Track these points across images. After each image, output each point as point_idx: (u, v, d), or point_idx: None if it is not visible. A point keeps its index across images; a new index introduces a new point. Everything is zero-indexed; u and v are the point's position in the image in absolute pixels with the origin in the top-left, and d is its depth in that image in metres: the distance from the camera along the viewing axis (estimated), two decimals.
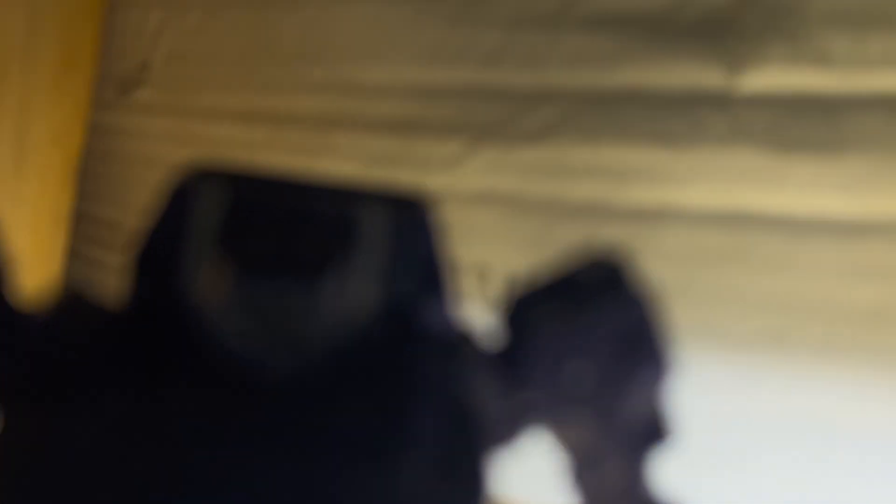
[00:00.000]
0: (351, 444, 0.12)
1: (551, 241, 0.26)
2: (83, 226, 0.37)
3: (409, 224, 0.16)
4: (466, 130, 0.28)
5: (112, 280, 0.38)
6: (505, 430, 0.14)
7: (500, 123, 0.27)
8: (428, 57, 0.29)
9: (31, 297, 0.15)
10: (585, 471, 0.15)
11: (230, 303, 0.13)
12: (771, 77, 0.23)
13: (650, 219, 0.25)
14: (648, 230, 0.25)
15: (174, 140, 0.37)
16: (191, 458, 0.12)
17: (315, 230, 0.14)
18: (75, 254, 0.36)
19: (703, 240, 0.24)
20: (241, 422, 0.12)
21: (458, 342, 0.15)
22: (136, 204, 0.36)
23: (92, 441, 0.11)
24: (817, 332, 0.23)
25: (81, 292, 0.15)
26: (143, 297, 0.14)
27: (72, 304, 0.14)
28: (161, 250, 0.15)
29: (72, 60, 0.32)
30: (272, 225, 0.14)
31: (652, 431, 0.14)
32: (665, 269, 0.24)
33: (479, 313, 0.17)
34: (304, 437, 0.12)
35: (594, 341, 0.14)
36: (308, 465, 0.12)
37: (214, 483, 0.11)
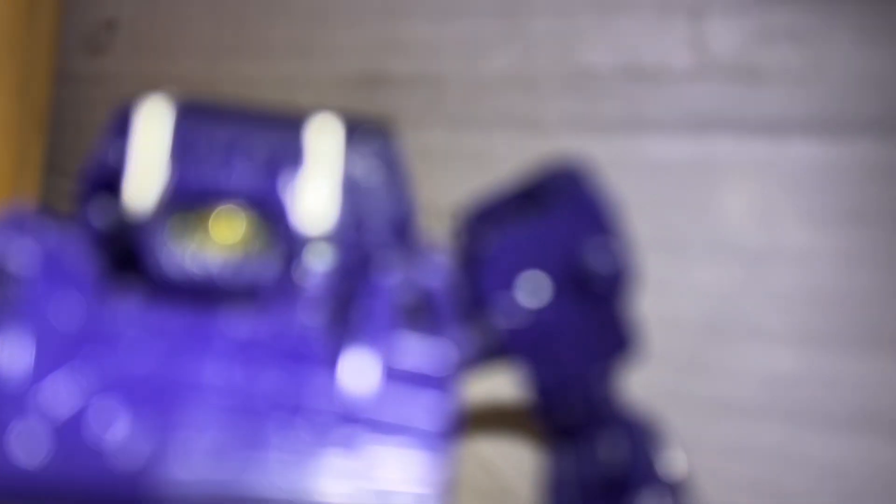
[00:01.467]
0: (301, 354, 0.12)
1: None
2: (53, 177, 0.36)
3: (368, 146, 0.15)
4: (429, 81, 0.28)
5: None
6: (464, 342, 0.14)
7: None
8: (387, 11, 0.29)
9: None
10: (546, 386, 0.15)
11: (174, 223, 0.13)
12: None
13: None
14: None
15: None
16: (135, 371, 0.11)
17: (262, 151, 0.14)
18: (44, 203, 0.36)
19: None
20: (191, 329, 0.12)
21: (419, 259, 0.15)
22: None
23: (38, 357, 0.11)
24: None
25: (25, 209, 0.14)
26: (86, 219, 0.14)
27: (15, 222, 0.13)
28: (102, 175, 0.14)
29: (30, 12, 0.31)
30: (217, 147, 0.14)
31: (614, 340, 0.14)
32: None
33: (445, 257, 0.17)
34: (256, 348, 0.12)
35: (549, 249, 0.14)
36: (258, 371, 0.12)
37: (157, 394, 0.11)
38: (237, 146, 0.14)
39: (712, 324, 0.24)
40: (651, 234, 0.24)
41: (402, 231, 0.16)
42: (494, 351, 0.15)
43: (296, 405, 0.11)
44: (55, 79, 0.35)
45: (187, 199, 0.13)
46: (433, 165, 0.28)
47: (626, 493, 0.15)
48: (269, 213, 0.13)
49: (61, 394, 0.11)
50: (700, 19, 0.24)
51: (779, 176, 0.23)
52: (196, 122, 0.14)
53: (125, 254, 0.13)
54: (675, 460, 0.15)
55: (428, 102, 0.28)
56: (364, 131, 0.16)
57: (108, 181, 0.14)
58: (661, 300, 0.23)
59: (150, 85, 0.35)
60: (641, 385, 0.17)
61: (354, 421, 0.11)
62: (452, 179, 0.27)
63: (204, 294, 0.13)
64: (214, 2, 0.34)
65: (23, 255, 0.12)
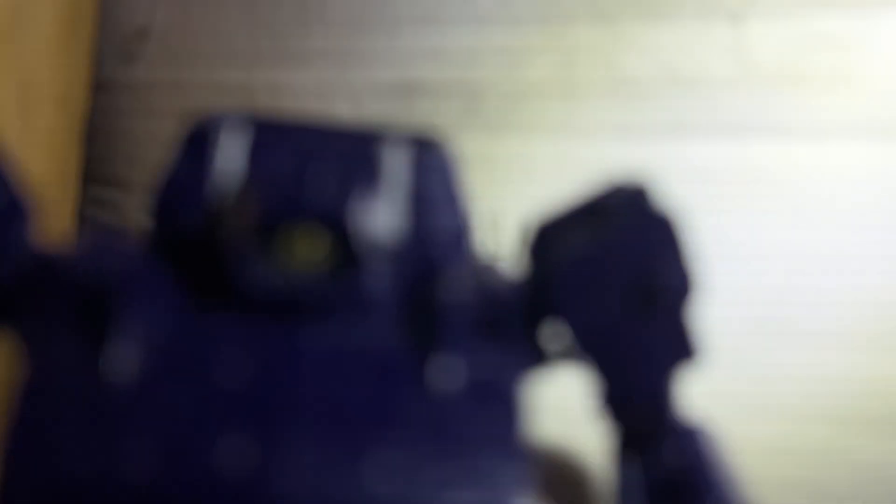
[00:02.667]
0: (387, 367, 0.13)
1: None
2: (91, 189, 0.37)
3: (430, 161, 0.16)
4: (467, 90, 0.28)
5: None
6: (534, 354, 0.14)
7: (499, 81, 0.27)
8: (425, 18, 0.29)
9: (54, 241, 0.15)
10: (614, 396, 0.15)
11: (256, 235, 0.13)
12: None
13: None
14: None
15: (175, 115, 0.37)
16: (235, 386, 0.12)
17: (337, 169, 0.14)
18: (84, 216, 0.36)
19: None
20: (279, 345, 0.12)
21: (484, 271, 0.15)
22: (137, 181, 0.36)
23: (142, 372, 0.11)
24: None
25: (107, 231, 0.15)
26: (165, 238, 0.14)
27: (100, 241, 0.14)
28: (182, 194, 0.15)
29: (72, 20, 0.31)
30: (294, 166, 0.14)
31: (680, 351, 0.15)
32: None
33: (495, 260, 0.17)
34: (344, 361, 0.12)
35: (618, 266, 0.14)
36: (349, 385, 0.12)
37: (257, 408, 0.12)
38: (314, 166, 0.14)
39: (757, 327, 0.24)
40: (692, 237, 0.24)
41: (462, 241, 0.16)
42: (562, 358, 0.15)
43: (388, 418, 0.12)
44: (94, 92, 0.35)
45: (270, 218, 0.13)
46: (471, 171, 0.28)
47: (692, 498, 0.15)
48: (347, 230, 0.13)
49: (168, 409, 0.11)
50: (741, 25, 0.25)
51: (822, 180, 0.24)
52: (273, 141, 0.14)
53: (206, 270, 0.14)
54: (734, 465, 0.16)
55: (466, 109, 0.28)
56: (429, 147, 0.16)
57: (185, 198, 0.15)
58: (706, 304, 0.23)
59: (183, 93, 0.35)
60: (688, 386, 0.18)
61: (446, 432, 0.12)
62: (491, 185, 0.28)
63: (288, 309, 0.13)
64: (249, 9, 0.34)
65: (115, 273, 0.13)
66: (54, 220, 0.33)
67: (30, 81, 0.27)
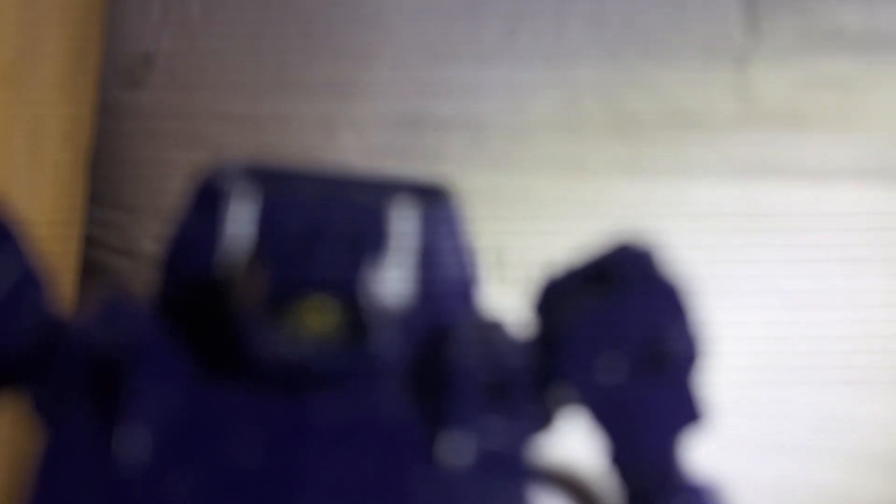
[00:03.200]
0: (397, 440, 0.13)
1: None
2: (93, 227, 0.37)
3: (437, 214, 0.16)
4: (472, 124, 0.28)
5: (126, 273, 0.38)
6: (541, 417, 0.14)
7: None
8: (431, 52, 0.29)
9: (68, 302, 0.15)
10: (621, 457, 0.15)
11: (267, 305, 0.13)
12: None
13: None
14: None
15: (180, 143, 0.37)
16: (246, 463, 0.12)
17: (345, 237, 0.14)
18: (89, 254, 0.36)
19: None
20: (290, 419, 0.12)
21: (491, 329, 0.15)
22: (143, 206, 0.37)
23: (154, 450, 0.11)
24: None
25: (117, 295, 0.15)
26: (175, 295, 0.15)
27: (111, 306, 0.14)
28: (191, 254, 0.15)
29: (80, 54, 0.32)
30: (303, 235, 0.14)
31: (687, 415, 0.15)
32: None
33: (498, 296, 0.17)
34: (353, 435, 0.12)
35: (627, 330, 0.14)
36: (359, 460, 0.12)
37: (268, 486, 0.12)
38: (324, 234, 0.14)
39: (761, 366, 0.24)
40: (696, 278, 0.24)
41: (470, 292, 0.16)
42: (567, 418, 0.15)
43: (398, 494, 0.12)
44: (98, 125, 0.35)
45: (280, 289, 0.13)
46: (474, 207, 0.28)
47: None
48: (357, 301, 0.13)
49: (181, 489, 0.11)
50: (745, 66, 0.25)
51: (826, 221, 0.24)
52: (283, 204, 0.15)
53: (216, 337, 0.14)
54: None
55: (470, 144, 0.28)
56: (434, 203, 0.16)
57: (195, 259, 0.15)
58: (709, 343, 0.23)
59: (188, 120, 0.35)
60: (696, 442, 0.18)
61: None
62: (495, 220, 0.28)
63: (298, 380, 0.13)
64: (255, 38, 0.34)
65: (125, 343, 0.13)
66: (62, 243, 0.33)
67: (38, 118, 0.28)
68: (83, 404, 0.12)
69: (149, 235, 0.37)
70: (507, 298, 0.17)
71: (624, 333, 0.14)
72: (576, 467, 0.21)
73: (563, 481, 0.20)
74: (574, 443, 0.16)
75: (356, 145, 0.31)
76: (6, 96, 0.24)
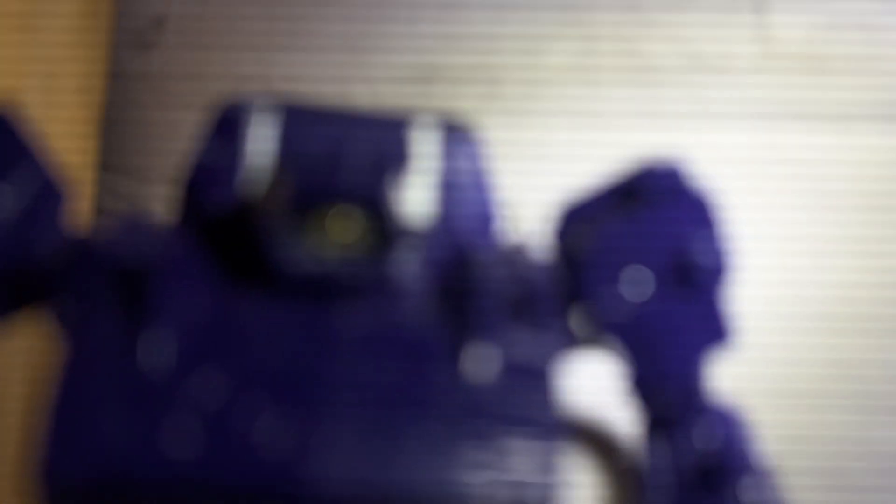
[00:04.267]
0: (421, 350, 0.13)
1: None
2: (107, 178, 0.37)
3: (459, 144, 0.16)
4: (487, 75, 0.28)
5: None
6: (567, 334, 0.14)
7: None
8: (444, 4, 0.29)
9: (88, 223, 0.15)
10: (645, 379, 0.15)
11: (291, 216, 0.13)
12: None
13: None
14: None
15: (192, 105, 0.37)
16: (270, 366, 0.12)
17: (369, 152, 0.14)
18: (102, 204, 0.36)
19: None
20: (315, 326, 0.12)
21: (513, 254, 0.15)
22: (153, 170, 0.36)
23: (178, 354, 0.11)
24: None
25: (137, 214, 0.15)
26: (195, 218, 0.14)
27: (132, 223, 0.14)
28: (213, 175, 0.15)
29: (91, 11, 0.32)
30: (326, 148, 0.14)
31: (713, 332, 0.15)
32: None
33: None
34: (379, 343, 0.12)
35: (652, 243, 0.14)
36: (384, 366, 0.12)
37: (293, 389, 0.12)
38: (347, 148, 0.14)
39: (775, 312, 0.24)
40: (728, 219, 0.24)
41: (490, 225, 0.16)
42: (593, 340, 0.15)
43: (424, 399, 0.12)
44: (111, 83, 0.35)
45: (304, 199, 0.13)
46: (492, 158, 0.28)
47: (722, 481, 0.15)
48: (379, 212, 0.13)
49: (207, 388, 0.11)
50: (764, 9, 0.24)
51: (846, 164, 0.24)
52: (304, 124, 0.14)
53: (240, 251, 0.14)
54: (764, 449, 0.16)
55: (486, 95, 0.28)
56: (457, 133, 0.16)
57: (217, 179, 0.15)
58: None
59: (200, 83, 0.35)
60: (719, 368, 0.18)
61: (481, 413, 0.12)
62: (511, 172, 0.28)
63: (322, 290, 0.13)
64: None
65: (149, 255, 0.13)
66: (76, 202, 0.33)
67: (52, 72, 0.28)
68: (107, 313, 0.12)
69: (159, 199, 0.37)
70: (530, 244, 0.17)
71: (649, 247, 0.14)
72: (597, 418, 0.21)
73: (584, 432, 0.19)
74: (596, 368, 0.16)
75: (369, 99, 0.31)
76: (19, 45, 0.24)
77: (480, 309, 0.13)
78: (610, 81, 0.26)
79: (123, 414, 0.11)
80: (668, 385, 0.15)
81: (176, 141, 0.36)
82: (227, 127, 0.15)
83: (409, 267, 0.14)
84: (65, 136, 0.30)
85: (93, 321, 0.12)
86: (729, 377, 0.19)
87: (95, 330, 0.12)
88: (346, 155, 0.14)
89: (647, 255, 0.14)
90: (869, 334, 0.24)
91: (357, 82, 0.31)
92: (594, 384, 0.17)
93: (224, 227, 0.14)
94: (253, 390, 0.11)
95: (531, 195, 0.28)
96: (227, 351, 0.12)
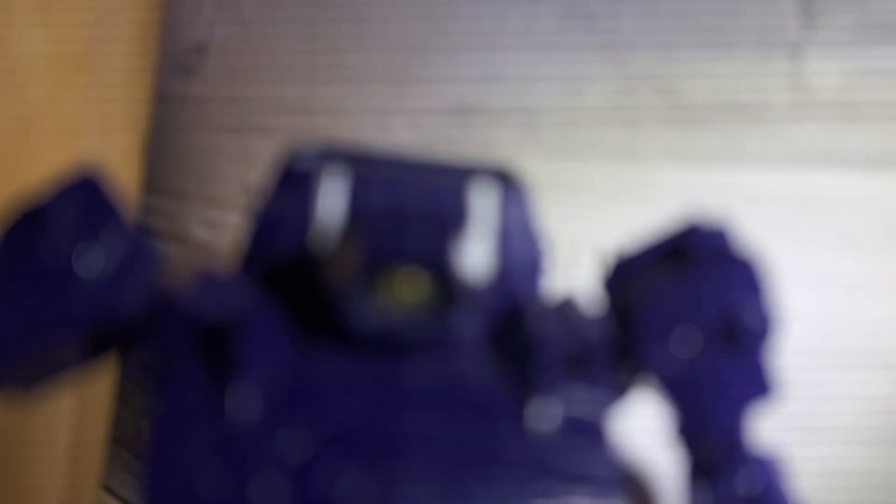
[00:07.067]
0: (486, 404, 0.13)
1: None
2: (148, 199, 0.38)
3: (512, 196, 0.17)
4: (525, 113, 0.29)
5: (173, 258, 0.39)
6: (618, 387, 0.15)
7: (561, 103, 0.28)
8: (484, 39, 0.30)
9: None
10: (690, 429, 0.16)
11: (360, 277, 0.14)
12: None
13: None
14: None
15: (232, 131, 0.38)
16: (348, 422, 0.13)
17: (431, 212, 0.15)
18: (145, 224, 0.37)
19: None
20: (386, 382, 0.13)
21: (566, 305, 0.16)
22: (193, 191, 0.37)
23: (264, 409, 0.12)
24: None
25: (212, 267, 0.16)
26: (266, 269, 0.15)
27: (212, 277, 0.15)
28: (283, 231, 0.15)
29: (144, 44, 0.33)
30: (391, 209, 0.15)
31: (757, 387, 0.15)
32: None
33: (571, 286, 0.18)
34: (447, 398, 0.13)
35: (701, 304, 0.15)
36: (453, 422, 0.13)
37: (370, 444, 0.12)
38: (410, 208, 0.15)
39: (807, 349, 0.25)
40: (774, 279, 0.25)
41: (540, 274, 0.17)
42: (642, 391, 0.16)
43: (491, 454, 0.13)
44: (155, 115, 0.36)
45: (373, 261, 0.14)
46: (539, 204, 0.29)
47: None
48: (443, 272, 0.14)
49: (291, 443, 0.12)
50: (800, 57, 0.25)
51: (876, 210, 0.24)
52: (370, 182, 0.15)
53: (311, 308, 0.14)
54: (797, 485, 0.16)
55: (523, 133, 0.29)
56: (510, 183, 0.17)
57: (286, 235, 0.15)
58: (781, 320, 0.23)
59: (240, 109, 0.36)
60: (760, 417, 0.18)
61: (545, 469, 0.13)
62: (548, 208, 0.28)
63: (391, 347, 0.14)
64: (307, 28, 0.35)
65: (230, 310, 0.14)
66: None
67: (108, 103, 0.29)
68: (194, 367, 0.13)
69: (199, 221, 0.38)
70: (560, 283, 0.17)
71: (699, 307, 0.15)
72: (642, 465, 0.21)
73: (631, 479, 0.20)
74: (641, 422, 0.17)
75: (409, 134, 0.31)
76: (80, 86, 0.25)
77: (540, 363, 0.14)
78: (646, 122, 0.26)
79: (215, 467, 0.12)
80: (712, 435, 0.16)
81: (216, 164, 0.37)
82: (296, 179, 0.16)
83: (470, 321, 0.15)
84: (118, 162, 0.32)
85: (181, 376, 0.13)
86: (766, 416, 0.19)
87: (184, 384, 0.13)
88: (410, 215, 0.15)
89: (695, 314, 0.15)
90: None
91: (396, 117, 0.31)
92: (642, 426, 0.18)
93: (293, 281, 0.15)
94: (334, 445, 0.12)
95: (568, 233, 0.28)
96: (307, 406, 0.13)
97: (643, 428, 0.17)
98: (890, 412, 0.24)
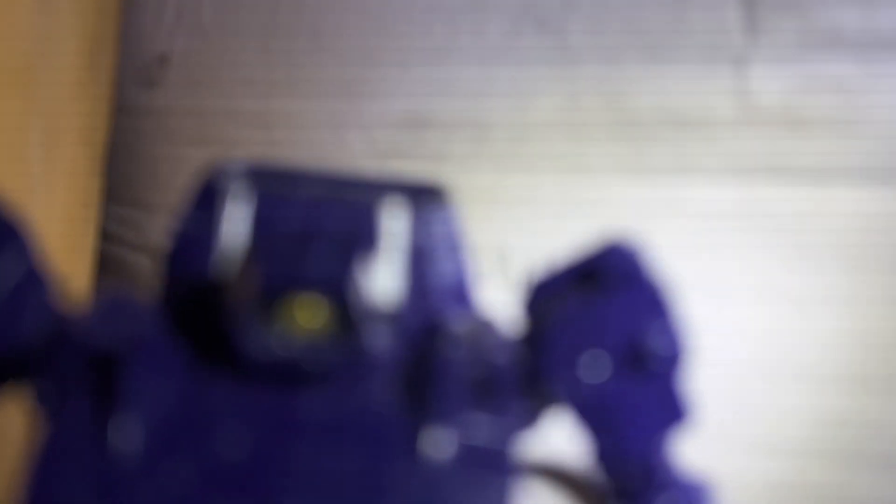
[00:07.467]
0: (382, 435, 0.13)
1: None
2: (109, 223, 0.37)
3: (430, 214, 0.16)
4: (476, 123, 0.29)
5: (142, 268, 0.39)
6: (527, 414, 0.15)
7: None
8: (436, 54, 0.29)
9: (70, 297, 0.15)
10: (606, 454, 0.15)
11: (259, 302, 0.14)
12: None
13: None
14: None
15: (194, 141, 0.38)
16: (235, 456, 0.12)
17: (336, 237, 0.15)
18: (105, 249, 0.37)
19: None
20: (279, 413, 0.13)
21: (482, 327, 0.16)
22: (158, 202, 0.37)
23: (147, 442, 0.12)
24: None
25: (120, 292, 0.15)
26: (175, 291, 0.15)
27: (113, 303, 0.14)
28: (191, 251, 0.15)
29: (95, 55, 0.32)
30: (295, 235, 0.15)
31: (670, 413, 0.15)
32: None
33: (498, 294, 0.18)
34: (341, 430, 0.13)
35: (609, 329, 0.15)
36: (345, 455, 0.13)
37: (256, 479, 0.12)
38: (315, 230, 0.15)
39: (757, 365, 0.24)
40: (695, 277, 0.24)
41: (464, 290, 0.17)
42: (551, 414, 0.16)
43: (382, 488, 0.12)
44: (114, 125, 0.36)
45: (272, 287, 0.14)
46: (478, 206, 0.29)
47: None
48: (344, 300, 0.14)
49: (173, 476, 0.12)
50: (744, 68, 0.25)
51: (822, 223, 0.24)
52: (277, 204, 0.15)
53: (210, 334, 0.14)
54: None
55: (474, 144, 0.28)
56: (428, 203, 0.16)
57: (194, 255, 0.15)
58: (705, 342, 0.23)
59: (201, 119, 0.36)
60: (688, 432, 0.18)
61: (436, 498, 0.12)
62: (497, 221, 0.28)
63: (289, 376, 0.14)
64: (265, 40, 0.35)
65: (123, 338, 0.13)
66: (78, 240, 0.34)
67: (54, 115, 0.28)
68: (83, 397, 0.13)
69: (163, 231, 0.37)
70: (509, 297, 0.17)
71: (606, 332, 0.14)
72: (565, 461, 0.21)
73: (554, 474, 0.20)
74: (559, 439, 0.17)
75: (362, 144, 0.31)
76: (21, 99, 0.25)
77: (440, 390, 0.14)
78: (593, 133, 0.26)
79: (91, 500, 0.12)
80: (629, 461, 0.15)
81: (178, 174, 0.37)
82: (207, 199, 0.16)
83: (378, 346, 0.14)
84: (67, 172, 0.31)
85: (68, 405, 0.13)
86: (712, 428, 0.19)
87: (69, 413, 0.13)
88: (315, 239, 0.14)
89: (603, 339, 0.14)
90: (843, 389, 0.24)
91: (351, 126, 0.31)
92: (562, 449, 0.17)
93: (195, 306, 0.15)
94: (217, 480, 0.12)
95: (516, 242, 0.28)
96: (194, 438, 0.12)
97: (565, 452, 0.17)
98: (838, 428, 0.24)
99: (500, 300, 0.17)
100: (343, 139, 0.32)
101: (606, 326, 0.14)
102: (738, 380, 0.24)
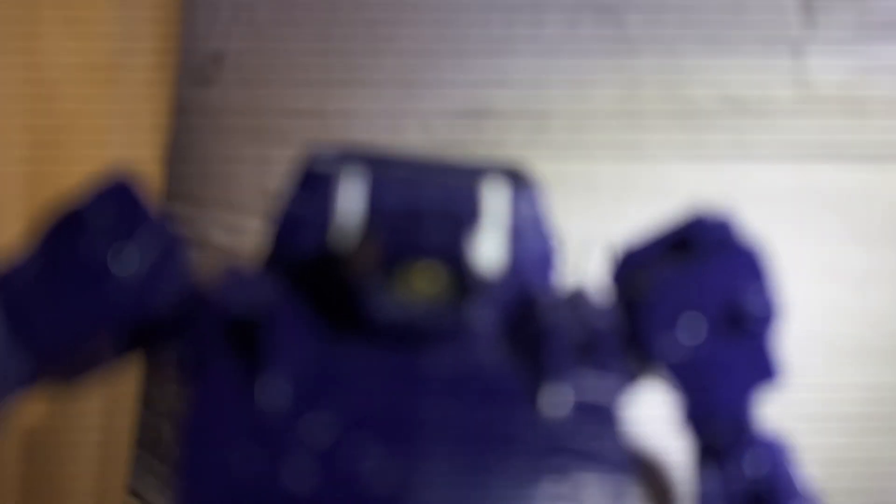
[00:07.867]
0: (500, 391, 0.14)
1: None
2: (168, 205, 0.38)
3: (523, 194, 0.17)
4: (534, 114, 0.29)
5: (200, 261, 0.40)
6: (627, 374, 0.16)
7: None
8: (494, 45, 0.30)
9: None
10: (698, 413, 0.16)
11: (380, 272, 0.15)
12: None
13: None
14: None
15: (249, 138, 0.38)
16: (372, 408, 0.13)
17: (446, 209, 0.16)
18: None
19: None
20: (405, 370, 0.14)
21: (576, 297, 0.17)
22: (211, 198, 0.38)
23: (293, 390, 0.13)
24: None
25: (237, 265, 0.16)
26: (288, 267, 0.16)
27: (236, 275, 0.15)
28: (303, 230, 0.16)
29: (165, 53, 0.33)
30: (408, 207, 0.16)
31: (762, 372, 0.16)
32: None
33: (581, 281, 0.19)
34: (463, 385, 0.14)
35: (707, 293, 0.15)
36: (469, 407, 0.14)
37: (392, 428, 0.13)
38: (425, 207, 0.16)
39: (815, 341, 0.25)
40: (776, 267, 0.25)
41: (551, 267, 0.18)
42: (650, 377, 0.16)
43: (506, 437, 0.13)
44: (174, 124, 0.37)
45: (391, 256, 0.15)
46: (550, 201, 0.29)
47: None
48: (458, 266, 0.15)
49: (319, 428, 0.13)
50: (802, 55, 0.26)
51: (881, 203, 0.25)
52: (387, 184, 0.16)
53: (332, 302, 0.15)
54: (806, 472, 0.17)
55: (532, 133, 0.29)
56: (521, 181, 0.17)
57: (307, 234, 0.16)
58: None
59: (256, 117, 0.37)
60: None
61: (557, 450, 0.13)
62: (557, 208, 0.29)
63: (408, 337, 0.15)
64: (322, 36, 0.36)
65: (258, 305, 0.14)
66: None
67: (133, 114, 0.29)
68: (225, 359, 0.14)
69: (218, 226, 0.38)
70: (571, 278, 0.18)
71: (703, 295, 0.15)
72: (651, 449, 0.22)
73: (641, 463, 0.21)
74: (651, 401, 0.17)
75: (421, 137, 0.32)
76: (107, 91, 0.26)
77: (551, 351, 0.15)
78: (652, 120, 0.27)
79: (248, 451, 0.13)
80: (719, 418, 0.16)
81: (233, 170, 0.38)
82: (317, 181, 0.16)
83: (483, 312, 0.15)
84: (143, 170, 0.32)
85: (212, 367, 0.14)
86: (773, 403, 0.20)
87: (215, 375, 0.14)
88: (425, 213, 0.15)
89: (700, 302, 0.15)
90: None
91: (409, 122, 0.32)
92: (651, 413, 0.18)
93: (315, 277, 0.16)
94: (358, 429, 0.13)
95: (577, 229, 0.29)
96: (332, 393, 0.13)
97: (654, 416, 0.18)
98: (894, 401, 0.25)
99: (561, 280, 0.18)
100: (401, 134, 0.33)
101: (704, 290, 0.15)
102: (797, 355, 0.25)
